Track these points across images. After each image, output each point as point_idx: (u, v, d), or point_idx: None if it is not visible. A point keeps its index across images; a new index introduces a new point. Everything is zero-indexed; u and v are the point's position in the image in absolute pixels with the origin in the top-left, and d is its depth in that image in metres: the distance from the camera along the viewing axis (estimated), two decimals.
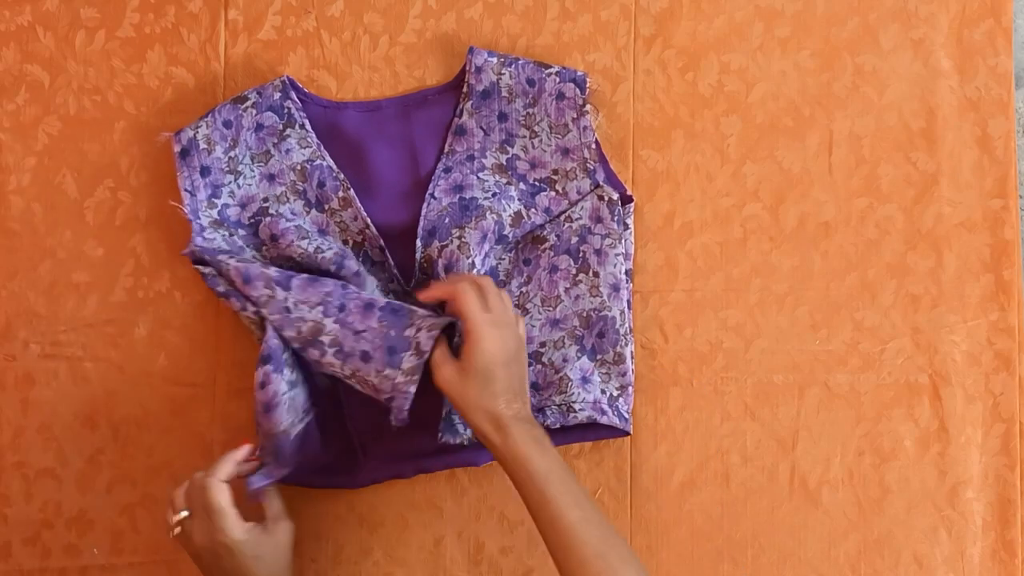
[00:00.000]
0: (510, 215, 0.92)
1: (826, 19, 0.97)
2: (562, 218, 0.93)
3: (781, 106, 0.97)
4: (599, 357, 0.91)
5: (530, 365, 0.91)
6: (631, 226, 0.94)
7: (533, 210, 0.93)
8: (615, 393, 0.91)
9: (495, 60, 0.94)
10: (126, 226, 0.96)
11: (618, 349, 0.91)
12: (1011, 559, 0.93)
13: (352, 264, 0.90)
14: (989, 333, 0.95)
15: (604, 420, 0.90)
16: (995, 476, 0.94)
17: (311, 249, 0.89)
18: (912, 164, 0.96)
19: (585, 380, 0.91)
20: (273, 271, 0.88)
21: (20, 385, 0.95)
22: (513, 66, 0.94)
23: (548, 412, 0.90)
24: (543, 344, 0.92)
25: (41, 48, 0.98)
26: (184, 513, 0.81)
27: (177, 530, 0.82)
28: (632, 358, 0.92)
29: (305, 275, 0.88)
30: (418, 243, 0.92)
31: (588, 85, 0.94)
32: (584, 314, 0.92)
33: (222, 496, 0.80)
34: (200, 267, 0.91)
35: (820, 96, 0.97)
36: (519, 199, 0.93)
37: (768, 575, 0.93)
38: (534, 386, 0.91)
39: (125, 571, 0.93)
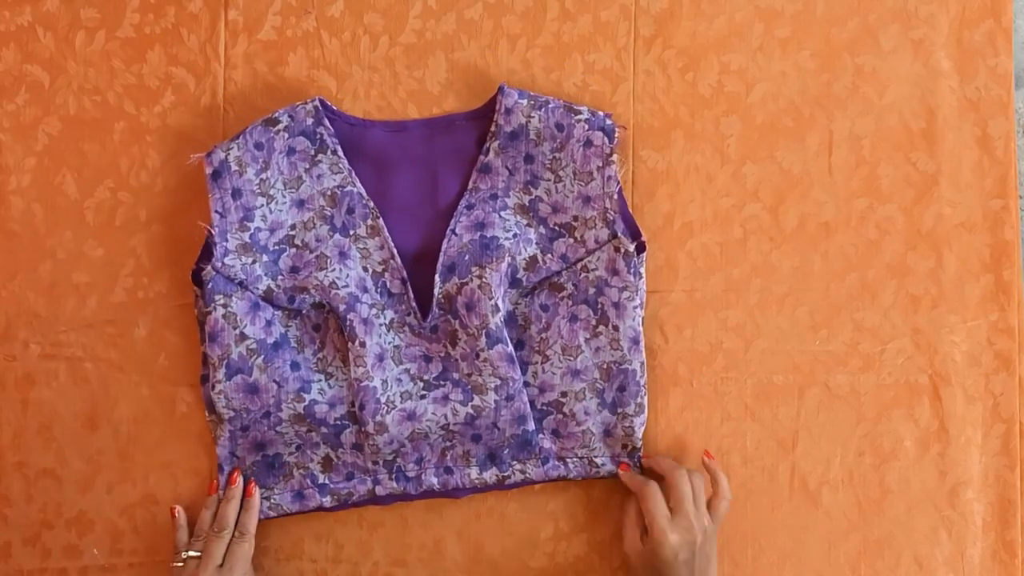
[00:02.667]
0: (525, 259, 0.91)
1: (826, 20, 0.97)
2: (578, 267, 0.92)
3: (781, 107, 0.97)
4: (620, 411, 0.91)
5: (551, 414, 0.92)
6: (643, 274, 0.93)
7: (549, 256, 0.91)
8: (638, 444, 0.92)
9: (525, 102, 0.93)
10: (126, 226, 0.96)
11: (639, 400, 0.91)
12: (1011, 559, 0.93)
13: (364, 309, 0.90)
14: (989, 333, 0.95)
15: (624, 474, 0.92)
16: (995, 476, 0.94)
17: (327, 282, 0.89)
18: (912, 164, 0.96)
19: (607, 434, 0.92)
20: (235, 353, 0.89)
21: (20, 385, 0.95)
22: (543, 109, 0.92)
23: (570, 464, 0.92)
24: (564, 394, 0.92)
25: (41, 48, 0.98)
26: (194, 553, 0.88)
27: (179, 564, 0.89)
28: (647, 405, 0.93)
29: (249, 380, 0.89)
30: (437, 279, 0.91)
31: (616, 134, 0.92)
32: (604, 366, 0.91)
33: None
34: (197, 289, 0.92)
35: (820, 97, 0.97)
36: (537, 243, 0.91)
37: (768, 575, 0.93)
38: (555, 433, 0.92)
39: (125, 571, 0.93)
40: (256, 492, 0.91)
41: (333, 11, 0.98)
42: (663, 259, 0.95)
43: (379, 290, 0.91)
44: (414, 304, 0.91)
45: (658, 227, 0.96)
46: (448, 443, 0.91)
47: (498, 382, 0.90)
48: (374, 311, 0.90)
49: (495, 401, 0.90)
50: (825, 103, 0.97)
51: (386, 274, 0.92)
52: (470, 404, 0.90)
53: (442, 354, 0.91)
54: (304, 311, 0.91)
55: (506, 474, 0.92)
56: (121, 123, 0.97)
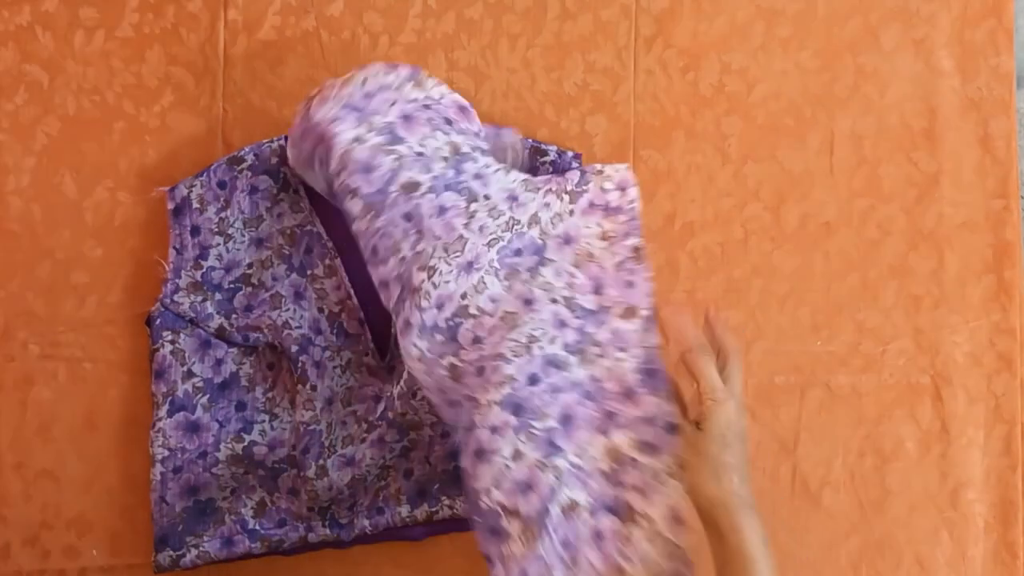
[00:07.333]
0: None
1: (827, 19, 0.97)
2: None
3: (782, 106, 0.97)
4: None
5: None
6: None
7: None
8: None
9: None
10: (125, 226, 0.96)
11: None
12: (1013, 560, 0.93)
13: (316, 351, 0.89)
14: (991, 334, 0.95)
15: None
16: (997, 477, 0.94)
17: (279, 322, 0.89)
18: (913, 164, 0.96)
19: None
20: (180, 390, 0.89)
21: (20, 386, 0.95)
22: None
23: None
24: None
25: (40, 48, 0.98)
26: None
27: None
28: None
29: (192, 418, 0.89)
30: (394, 318, 0.91)
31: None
32: None
33: None
34: (148, 328, 0.91)
35: (821, 96, 0.97)
36: None
37: None
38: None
39: (124, 572, 0.93)
40: None
41: (333, 11, 0.98)
42: (663, 259, 0.95)
43: (335, 331, 0.91)
44: (371, 344, 0.91)
45: (659, 227, 0.96)
46: (383, 482, 0.90)
47: (434, 419, 0.89)
48: (328, 353, 0.90)
49: (429, 436, 0.89)
50: (826, 103, 0.97)
51: (343, 314, 0.91)
52: (406, 439, 0.90)
53: (387, 394, 0.90)
54: (260, 348, 0.91)
55: (434, 509, 0.90)
56: (120, 123, 0.97)
